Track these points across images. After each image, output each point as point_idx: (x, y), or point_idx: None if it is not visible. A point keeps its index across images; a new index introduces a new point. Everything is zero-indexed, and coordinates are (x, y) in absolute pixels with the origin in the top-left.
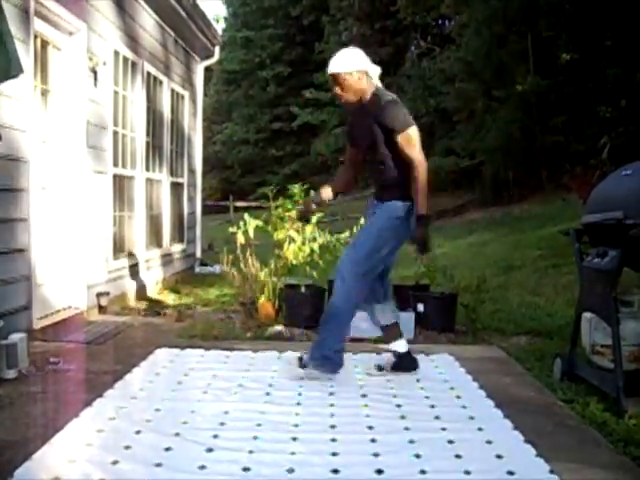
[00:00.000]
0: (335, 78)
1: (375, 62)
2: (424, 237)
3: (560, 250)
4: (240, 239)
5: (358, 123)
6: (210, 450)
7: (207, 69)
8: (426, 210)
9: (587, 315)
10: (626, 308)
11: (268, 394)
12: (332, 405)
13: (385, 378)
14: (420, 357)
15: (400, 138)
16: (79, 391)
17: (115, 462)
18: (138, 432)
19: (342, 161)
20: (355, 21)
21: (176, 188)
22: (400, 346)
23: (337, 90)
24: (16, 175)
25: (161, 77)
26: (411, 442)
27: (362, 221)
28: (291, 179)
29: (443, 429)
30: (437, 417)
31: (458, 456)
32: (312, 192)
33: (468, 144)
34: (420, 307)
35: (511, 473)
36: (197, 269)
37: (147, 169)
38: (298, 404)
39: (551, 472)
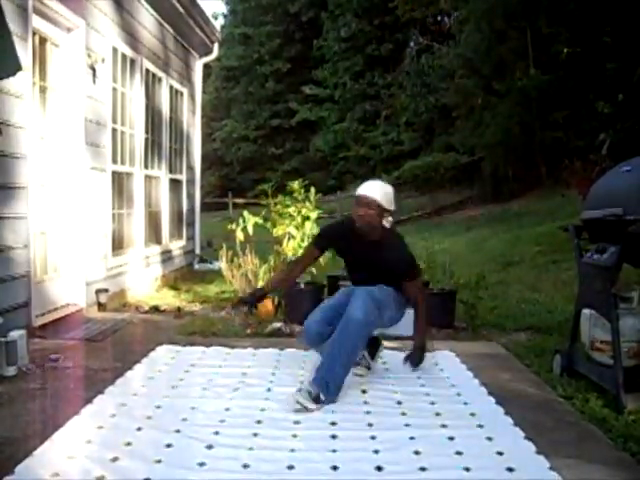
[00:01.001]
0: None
1: (374, 58)
2: None
3: (559, 246)
4: (239, 236)
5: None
6: (210, 447)
7: (206, 66)
8: None
9: (586, 311)
10: (625, 304)
11: (269, 390)
12: (332, 402)
13: (386, 375)
14: None
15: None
16: (79, 388)
17: (115, 459)
18: (139, 429)
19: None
20: (354, 17)
21: (175, 185)
22: None
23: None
24: (15, 172)
25: (160, 74)
26: (411, 439)
27: None
28: (290, 176)
29: (444, 426)
30: (438, 414)
31: (458, 453)
32: (312, 188)
33: (467, 140)
34: None
35: (511, 470)
36: (196, 266)
37: (146, 166)
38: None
39: (551, 469)
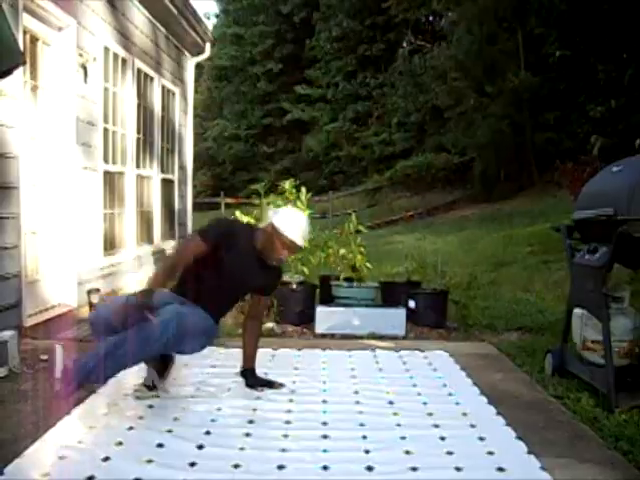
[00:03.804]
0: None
1: (366, 59)
2: None
3: (550, 246)
4: None
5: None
6: (201, 447)
7: (198, 65)
8: None
9: (578, 311)
10: (616, 304)
11: (261, 390)
12: (324, 402)
13: (379, 375)
14: (413, 353)
15: None
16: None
17: (106, 458)
18: (130, 428)
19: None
20: (346, 17)
21: (167, 185)
22: None
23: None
24: (6, 172)
25: (152, 73)
26: (403, 439)
27: (353, 218)
28: (282, 176)
29: (435, 426)
30: (430, 414)
31: (449, 453)
32: (303, 188)
33: (459, 140)
34: (411, 303)
35: (502, 470)
36: None
37: (137, 166)
38: (290, 401)
39: (542, 469)
